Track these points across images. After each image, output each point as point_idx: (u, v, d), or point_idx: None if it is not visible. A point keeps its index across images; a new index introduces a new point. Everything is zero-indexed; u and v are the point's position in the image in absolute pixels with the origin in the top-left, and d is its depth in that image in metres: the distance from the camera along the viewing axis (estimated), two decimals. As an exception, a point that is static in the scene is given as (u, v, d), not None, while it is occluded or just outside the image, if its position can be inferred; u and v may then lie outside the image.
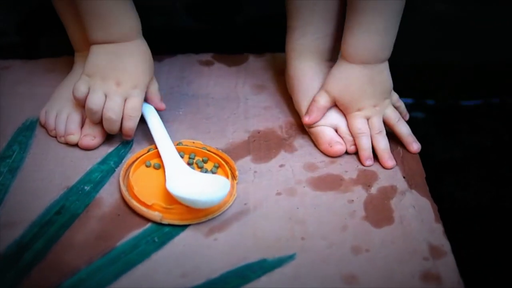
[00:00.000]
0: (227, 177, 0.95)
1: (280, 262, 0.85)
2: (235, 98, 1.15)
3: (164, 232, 0.89)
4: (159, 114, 1.05)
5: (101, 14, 0.97)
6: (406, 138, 1.04)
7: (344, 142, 1.03)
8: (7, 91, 1.14)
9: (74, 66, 1.11)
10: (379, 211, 0.93)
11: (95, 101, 0.98)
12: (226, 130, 1.08)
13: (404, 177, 0.99)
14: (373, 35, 0.99)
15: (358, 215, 0.92)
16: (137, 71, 1.00)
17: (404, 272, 0.84)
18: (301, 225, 0.91)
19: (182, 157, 1.00)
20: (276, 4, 1.25)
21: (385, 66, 1.03)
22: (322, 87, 1.04)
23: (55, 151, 1.02)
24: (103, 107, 0.98)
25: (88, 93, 0.99)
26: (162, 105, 1.04)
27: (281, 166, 1.01)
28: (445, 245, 0.88)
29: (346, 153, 1.03)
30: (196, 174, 0.95)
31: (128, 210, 0.92)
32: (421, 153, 1.03)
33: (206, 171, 0.98)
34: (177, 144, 1.01)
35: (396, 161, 1.01)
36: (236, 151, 1.03)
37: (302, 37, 1.08)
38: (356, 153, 1.03)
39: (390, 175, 0.99)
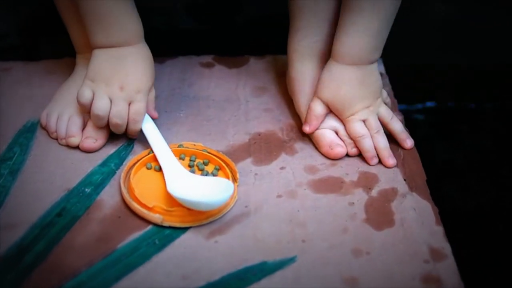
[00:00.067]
0: (228, 179, 0.95)
1: (280, 265, 0.85)
2: (236, 100, 1.15)
3: (164, 235, 0.89)
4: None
5: (104, 18, 0.97)
6: (400, 135, 1.05)
7: (345, 144, 1.03)
8: (7, 92, 1.14)
9: (75, 68, 1.11)
10: (379, 213, 0.93)
11: (101, 107, 0.98)
12: (227, 132, 1.08)
13: (404, 180, 0.99)
14: (368, 36, 1.00)
15: (359, 218, 0.92)
16: (140, 76, 0.99)
17: (405, 275, 0.84)
18: (301, 227, 0.91)
19: (183, 159, 1.00)
20: (277, 6, 1.25)
21: (375, 67, 1.03)
22: (315, 94, 1.03)
23: (56, 153, 1.02)
24: (109, 113, 0.99)
25: (92, 98, 0.99)
26: (155, 114, 1.04)
27: (282, 168, 1.01)
28: (446, 247, 0.88)
29: (347, 155, 1.03)
30: (197, 177, 0.95)
31: (129, 212, 0.92)
32: (421, 156, 1.03)
33: (207, 174, 0.98)
34: (178, 146, 1.01)
35: (397, 164, 1.01)
36: (237, 153, 1.03)
37: (304, 38, 1.08)
38: (357, 156, 1.03)
39: (391, 177, 0.99)
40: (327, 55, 1.07)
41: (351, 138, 1.03)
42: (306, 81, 1.07)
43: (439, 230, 0.90)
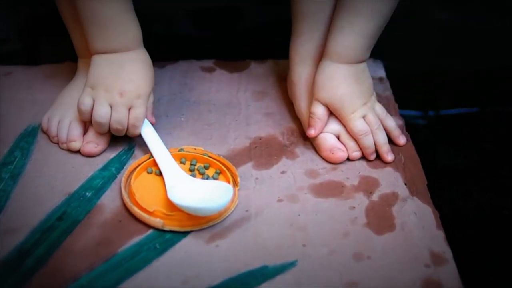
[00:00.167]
0: (229, 184, 0.95)
1: (281, 269, 0.85)
2: (237, 105, 1.15)
3: (165, 239, 0.89)
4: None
5: (103, 24, 0.97)
6: (394, 132, 1.06)
7: (346, 148, 1.03)
8: (8, 97, 1.14)
9: (77, 73, 1.11)
10: (380, 218, 0.93)
11: (102, 114, 0.98)
12: (228, 136, 1.08)
13: (405, 184, 0.99)
14: (362, 37, 1.01)
15: (360, 222, 0.92)
16: (140, 81, 0.99)
17: (406, 279, 0.84)
18: (302, 231, 0.91)
19: (183, 163, 1.00)
20: (278, 10, 1.25)
21: (365, 65, 1.04)
22: (313, 97, 1.04)
23: (56, 157, 1.02)
24: (110, 119, 0.99)
25: (93, 105, 0.99)
26: (153, 119, 1.04)
27: (283, 172, 1.01)
28: (447, 252, 0.88)
29: (348, 159, 1.03)
30: (196, 181, 0.95)
31: (130, 216, 0.92)
32: (422, 160, 1.03)
33: (207, 178, 0.98)
34: (179, 151, 1.01)
35: (398, 168, 1.01)
36: (238, 158, 1.03)
37: (306, 43, 1.08)
38: (358, 160, 1.03)
39: (392, 182, 0.99)
40: None
41: (353, 140, 1.03)
42: (307, 85, 1.07)
43: (440, 234, 0.90)
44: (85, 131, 1.03)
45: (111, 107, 0.99)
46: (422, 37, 1.29)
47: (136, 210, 0.91)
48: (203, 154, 1.01)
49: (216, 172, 0.99)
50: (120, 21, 0.98)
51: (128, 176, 0.98)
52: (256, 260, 0.86)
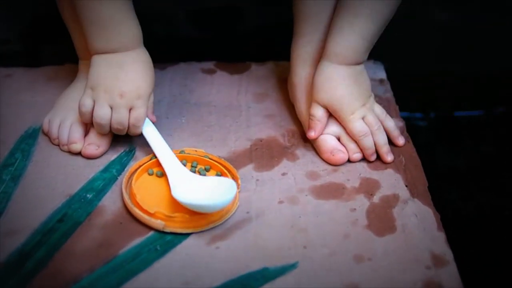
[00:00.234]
0: (231, 179, 0.95)
1: (282, 271, 0.85)
2: (238, 106, 1.15)
3: (166, 241, 0.89)
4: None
5: (103, 23, 0.97)
6: (393, 133, 1.06)
7: (347, 150, 1.03)
8: (9, 99, 1.14)
9: (78, 74, 1.11)
10: (381, 219, 0.93)
11: (101, 115, 0.98)
12: (228, 138, 1.08)
13: (406, 186, 0.99)
14: (362, 38, 1.01)
15: (360, 224, 0.92)
16: (140, 82, 0.99)
17: (406, 281, 0.84)
18: (303, 233, 0.91)
19: (184, 165, 1.00)
20: (278, 11, 1.25)
21: (363, 67, 1.04)
22: (312, 99, 1.03)
23: (57, 159, 1.02)
24: (110, 120, 0.99)
25: (93, 106, 0.99)
26: (154, 118, 1.04)
27: (283, 174, 1.01)
28: (447, 253, 0.88)
29: (348, 161, 1.03)
30: (200, 178, 0.95)
31: (131, 218, 0.92)
32: (423, 162, 1.03)
33: (208, 179, 0.98)
34: (179, 152, 1.01)
35: (399, 170, 1.01)
36: (238, 160, 1.03)
37: (308, 44, 1.08)
38: (359, 162, 1.03)
39: (393, 183, 0.99)
40: None
41: (354, 142, 1.03)
42: (307, 86, 1.07)
43: (441, 236, 0.90)
44: (86, 133, 1.03)
45: (111, 108, 0.98)
46: (422, 39, 1.29)
47: (137, 212, 0.91)
48: (204, 156, 1.01)
49: (217, 174, 0.99)
50: (119, 21, 0.97)
51: (129, 178, 0.98)
52: (257, 262, 0.86)
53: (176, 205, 0.92)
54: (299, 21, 1.09)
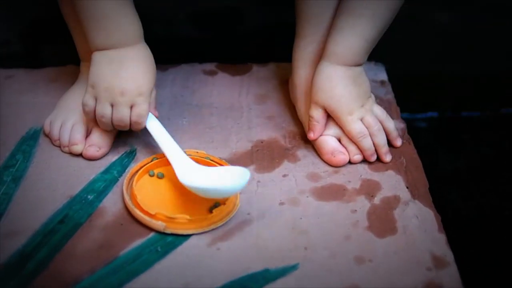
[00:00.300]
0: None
1: (283, 272, 0.85)
2: (239, 108, 1.15)
3: (167, 242, 0.89)
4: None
5: (102, 19, 0.96)
6: (393, 134, 1.05)
7: (347, 151, 1.03)
8: (10, 100, 1.14)
9: (79, 76, 1.11)
10: (382, 221, 0.93)
11: (103, 114, 0.98)
12: (230, 139, 1.08)
13: (407, 187, 0.99)
14: (363, 40, 1.01)
15: (361, 225, 0.92)
16: (141, 78, 0.98)
17: (407, 282, 0.84)
18: (304, 235, 0.91)
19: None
20: (280, 14, 1.25)
21: (362, 69, 1.04)
22: (311, 99, 1.03)
23: (58, 160, 1.02)
24: (112, 117, 0.99)
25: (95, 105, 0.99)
26: (156, 113, 1.04)
27: (284, 176, 1.01)
28: (448, 255, 0.88)
29: (349, 163, 1.03)
30: (209, 167, 0.96)
31: (131, 219, 0.92)
32: (424, 164, 1.03)
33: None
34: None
35: (400, 171, 1.01)
36: (240, 161, 1.03)
37: (309, 45, 1.08)
38: (359, 163, 1.03)
39: (393, 185, 0.99)
40: None
41: (352, 140, 1.03)
42: (308, 88, 1.07)
43: (442, 237, 0.90)
44: (87, 135, 1.03)
45: (112, 105, 0.98)
46: (423, 40, 1.29)
47: (137, 213, 0.91)
48: (205, 158, 1.01)
49: (217, 176, 0.99)
50: (119, 15, 0.97)
51: (130, 179, 0.98)
52: (258, 263, 0.86)
53: (177, 207, 0.92)
54: (301, 22, 1.08)
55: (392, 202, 0.96)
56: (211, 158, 1.01)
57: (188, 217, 0.90)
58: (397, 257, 0.88)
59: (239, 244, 0.89)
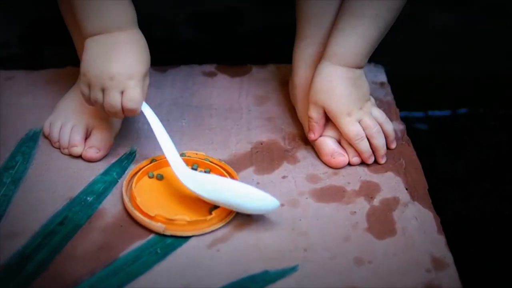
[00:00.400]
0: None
1: (282, 274, 0.85)
2: (238, 109, 1.15)
3: (166, 243, 0.89)
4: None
5: (95, 4, 0.94)
6: (389, 137, 1.05)
7: (347, 153, 1.03)
8: (10, 102, 1.14)
9: (79, 77, 1.10)
10: (381, 222, 0.93)
11: (95, 100, 0.96)
12: (229, 141, 1.08)
13: (406, 189, 0.99)
14: (364, 42, 1.01)
15: (361, 227, 0.92)
16: (132, 62, 0.95)
17: (407, 284, 0.84)
18: (303, 236, 0.91)
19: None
20: (280, 15, 1.25)
21: (363, 72, 1.04)
22: (310, 100, 1.03)
23: (58, 162, 1.02)
24: (103, 103, 0.96)
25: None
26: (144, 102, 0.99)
27: (284, 177, 1.01)
28: (447, 257, 0.88)
29: (349, 164, 1.03)
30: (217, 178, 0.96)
31: (131, 221, 0.92)
32: (423, 165, 1.03)
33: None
34: (180, 155, 1.01)
35: (399, 173, 1.02)
36: (239, 162, 1.03)
37: (310, 46, 1.08)
38: (359, 165, 1.03)
39: (393, 186, 0.99)
40: None
41: (349, 142, 1.02)
42: (308, 89, 1.07)
43: (441, 239, 0.90)
44: (86, 136, 1.03)
45: (103, 91, 0.95)
46: (423, 42, 1.29)
47: (137, 215, 0.91)
48: (204, 159, 1.01)
49: (217, 177, 0.99)
50: (112, 0, 0.94)
51: (129, 181, 0.98)
52: (257, 265, 0.86)
53: (177, 208, 0.92)
54: (301, 23, 1.08)
55: (391, 204, 0.96)
56: (210, 159, 1.01)
57: (187, 218, 0.90)
58: (397, 258, 0.88)
59: (239, 246, 0.89)
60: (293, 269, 0.86)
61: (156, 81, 1.20)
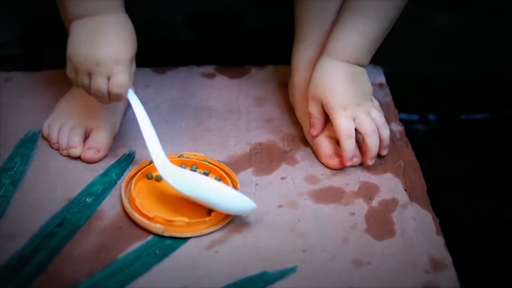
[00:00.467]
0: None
1: (281, 275, 0.85)
2: (237, 111, 1.15)
3: (165, 245, 0.89)
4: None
5: None
6: (384, 143, 1.03)
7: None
8: (9, 102, 1.14)
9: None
10: (380, 223, 0.93)
11: (82, 85, 0.95)
12: (228, 142, 1.08)
13: (405, 190, 0.99)
14: (365, 39, 1.00)
15: (359, 228, 0.92)
16: (118, 46, 0.93)
17: (405, 285, 0.84)
18: (302, 237, 0.91)
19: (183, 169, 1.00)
20: (278, 16, 1.25)
21: (365, 71, 1.03)
22: (309, 95, 1.03)
23: (57, 163, 1.02)
24: (90, 88, 0.95)
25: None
26: (132, 88, 0.98)
27: (283, 178, 1.01)
28: (446, 257, 0.88)
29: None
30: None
31: (130, 222, 0.92)
32: (422, 166, 1.03)
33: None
34: (179, 157, 1.01)
35: (398, 174, 1.02)
36: (238, 164, 1.03)
37: (309, 48, 1.08)
38: (358, 166, 1.03)
39: (391, 187, 0.99)
40: None
41: (338, 136, 1.00)
42: (308, 90, 1.07)
43: (440, 240, 0.90)
44: (85, 137, 1.03)
45: (89, 76, 0.94)
46: (422, 43, 1.30)
47: (136, 216, 0.91)
48: (203, 160, 1.01)
49: (216, 179, 0.99)
50: None
51: (128, 182, 0.98)
52: (256, 266, 0.86)
53: (175, 209, 0.92)
54: (301, 25, 1.08)
55: (390, 205, 0.96)
56: (209, 160, 1.01)
57: (186, 220, 0.90)
58: (395, 259, 0.88)
59: (238, 247, 0.89)
60: (292, 270, 0.86)
61: (155, 82, 1.20)
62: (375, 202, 0.97)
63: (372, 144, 1.01)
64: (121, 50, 0.93)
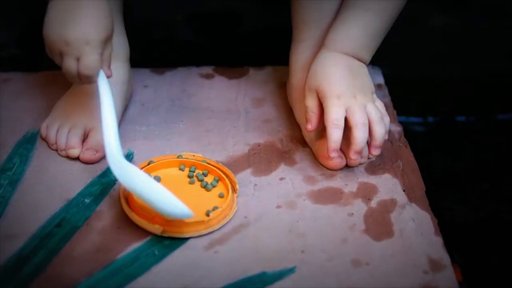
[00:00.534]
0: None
1: (280, 275, 0.85)
2: (236, 111, 1.15)
3: (164, 245, 0.89)
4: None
5: None
6: (375, 141, 0.99)
7: (344, 155, 1.03)
8: (7, 103, 1.14)
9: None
10: (379, 224, 0.93)
11: (56, 62, 0.95)
12: (227, 143, 1.08)
13: (404, 191, 0.99)
14: (364, 32, 1.01)
15: (358, 228, 0.92)
16: (87, 27, 0.92)
17: (404, 286, 0.84)
18: (301, 238, 0.91)
19: (182, 169, 1.00)
20: (277, 17, 1.25)
21: (365, 66, 1.03)
22: (305, 86, 1.02)
23: (55, 163, 1.02)
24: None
25: None
26: (109, 72, 0.97)
27: (281, 179, 1.01)
28: (445, 258, 0.88)
29: (346, 166, 1.03)
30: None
31: (129, 222, 0.92)
32: (421, 167, 1.03)
33: (206, 184, 0.98)
34: (177, 157, 1.01)
35: (396, 175, 1.02)
36: (237, 164, 1.03)
37: (307, 49, 1.08)
38: (356, 166, 1.03)
39: (390, 188, 0.99)
40: None
41: (325, 123, 0.98)
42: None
43: (438, 241, 0.90)
44: (84, 138, 1.03)
45: (61, 56, 0.94)
46: (421, 43, 1.30)
47: (135, 216, 0.91)
48: (202, 161, 1.01)
49: (214, 179, 0.99)
50: None
51: (127, 183, 0.98)
52: (255, 266, 0.86)
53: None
54: (298, 26, 1.08)
55: (388, 205, 0.96)
56: (208, 161, 1.01)
57: (185, 220, 0.90)
58: (394, 260, 0.88)
59: (237, 247, 0.89)
60: (290, 270, 0.86)
61: (153, 83, 1.20)
62: (373, 203, 0.97)
63: (358, 137, 0.97)
64: (92, 31, 0.92)
